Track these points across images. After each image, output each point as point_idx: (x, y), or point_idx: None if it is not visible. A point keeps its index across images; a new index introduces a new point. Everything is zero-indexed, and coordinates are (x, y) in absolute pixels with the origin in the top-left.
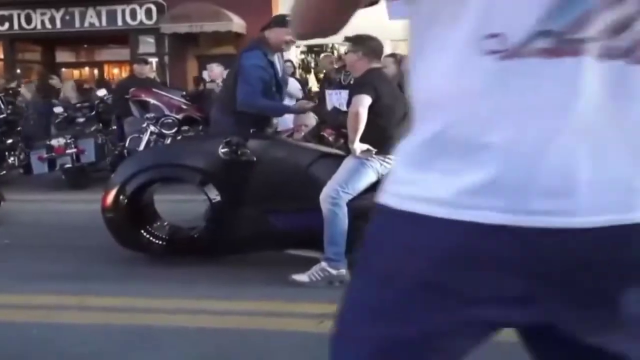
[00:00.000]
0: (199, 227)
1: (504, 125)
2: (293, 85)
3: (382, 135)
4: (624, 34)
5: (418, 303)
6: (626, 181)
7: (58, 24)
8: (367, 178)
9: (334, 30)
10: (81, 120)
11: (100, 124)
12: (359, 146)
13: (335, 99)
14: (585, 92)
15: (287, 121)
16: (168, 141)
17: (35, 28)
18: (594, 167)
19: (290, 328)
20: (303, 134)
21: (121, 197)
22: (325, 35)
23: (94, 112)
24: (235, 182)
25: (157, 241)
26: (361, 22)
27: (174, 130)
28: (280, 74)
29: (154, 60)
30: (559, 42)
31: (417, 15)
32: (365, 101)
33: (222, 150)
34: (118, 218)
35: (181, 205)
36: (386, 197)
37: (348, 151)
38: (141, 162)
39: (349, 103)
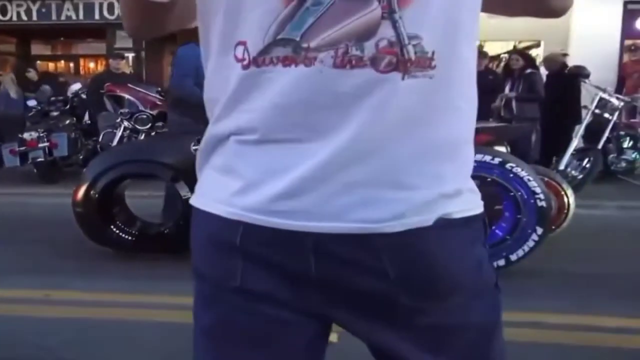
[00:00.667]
0: (168, 224)
1: (251, 129)
2: None
3: None
4: (367, 42)
5: (205, 294)
6: (368, 190)
7: (34, 16)
8: None
9: (157, 31)
10: (55, 114)
11: (74, 118)
12: None
13: None
14: (321, 100)
15: None
16: (142, 137)
17: (10, 19)
18: (327, 172)
19: None
20: None
21: (92, 191)
22: (153, 34)
23: (68, 106)
24: None
25: (126, 236)
26: None
27: (148, 126)
28: None
29: (130, 55)
30: (295, 50)
31: (198, 25)
32: None
33: (194, 148)
34: (87, 213)
35: (152, 202)
36: None
37: None
38: (113, 158)
39: None
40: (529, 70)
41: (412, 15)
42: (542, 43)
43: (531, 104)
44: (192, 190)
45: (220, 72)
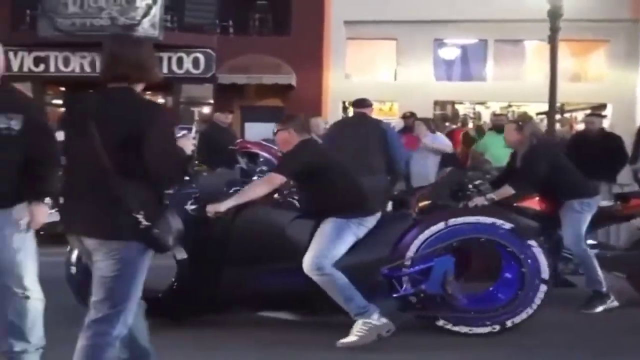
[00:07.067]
0: (163, 288)
1: None
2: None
3: (354, 197)
4: None
5: None
6: None
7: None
8: (346, 243)
9: None
10: None
11: None
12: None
13: None
14: None
15: None
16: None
17: (73, 71)
18: None
19: None
20: None
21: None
22: None
23: None
24: (204, 240)
25: None
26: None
27: None
28: None
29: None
30: None
31: None
32: (277, 180)
33: (192, 207)
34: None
35: None
36: None
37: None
38: None
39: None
40: None
41: None
42: None
43: None
44: (188, 252)
45: None
